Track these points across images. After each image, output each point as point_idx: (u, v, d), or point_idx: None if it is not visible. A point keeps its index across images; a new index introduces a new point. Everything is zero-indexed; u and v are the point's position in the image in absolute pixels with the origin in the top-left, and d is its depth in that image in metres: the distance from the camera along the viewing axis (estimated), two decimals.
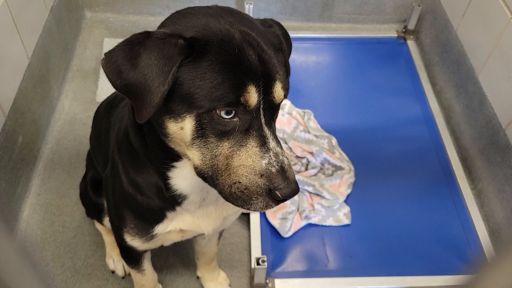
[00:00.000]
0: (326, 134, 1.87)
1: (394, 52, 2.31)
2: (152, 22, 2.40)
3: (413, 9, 2.29)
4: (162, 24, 0.83)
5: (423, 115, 2.04)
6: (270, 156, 0.78)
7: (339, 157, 1.79)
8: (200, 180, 0.87)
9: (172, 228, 1.02)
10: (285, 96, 0.82)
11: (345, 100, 2.07)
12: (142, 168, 0.94)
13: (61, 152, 1.84)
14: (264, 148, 0.78)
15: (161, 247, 1.18)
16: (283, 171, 0.78)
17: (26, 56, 1.73)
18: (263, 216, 1.66)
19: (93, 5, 2.37)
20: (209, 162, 0.80)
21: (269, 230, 1.64)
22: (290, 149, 1.81)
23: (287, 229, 1.62)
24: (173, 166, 0.90)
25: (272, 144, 0.79)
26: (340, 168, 1.76)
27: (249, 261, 1.58)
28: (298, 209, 1.67)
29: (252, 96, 0.76)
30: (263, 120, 0.79)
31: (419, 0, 2.34)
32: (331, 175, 1.75)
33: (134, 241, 1.06)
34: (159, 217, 1.00)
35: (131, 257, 1.21)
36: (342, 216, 1.68)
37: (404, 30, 2.37)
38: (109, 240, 1.56)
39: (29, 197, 1.71)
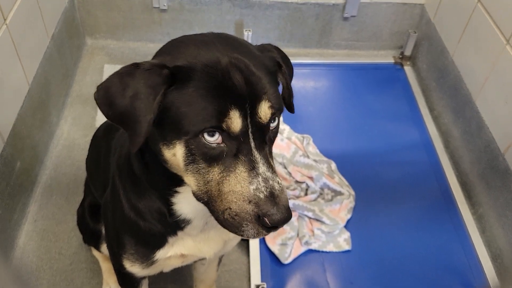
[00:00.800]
0: (325, 159, 1.87)
1: (392, 77, 2.33)
2: (152, 48, 2.42)
3: (409, 36, 2.32)
4: (157, 53, 0.85)
5: (422, 140, 2.04)
6: (258, 181, 0.76)
7: (338, 182, 1.79)
8: (200, 205, 0.87)
9: (173, 253, 1.01)
10: (274, 115, 0.80)
11: (344, 125, 2.08)
12: (144, 194, 0.94)
13: (59, 177, 1.84)
14: (253, 173, 0.76)
15: (160, 274, 1.16)
16: (273, 197, 0.76)
17: (27, 82, 1.74)
18: (263, 242, 1.64)
19: (94, 32, 2.41)
20: (203, 187, 0.80)
21: (269, 256, 1.62)
22: (290, 174, 1.81)
23: (287, 255, 1.60)
24: (176, 192, 0.89)
25: (262, 169, 0.77)
26: (340, 193, 1.76)
27: None
28: (298, 235, 1.66)
29: (235, 121, 0.75)
30: (252, 144, 0.77)
31: (415, 27, 2.38)
32: (331, 200, 1.74)
33: (133, 267, 1.04)
34: (160, 242, 0.99)
35: (129, 284, 1.19)
36: (342, 241, 1.66)
37: (401, 56, 2.40)
38: (106, 267, 1.54)
39: (26, 224, 1.69)
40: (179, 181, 0.86)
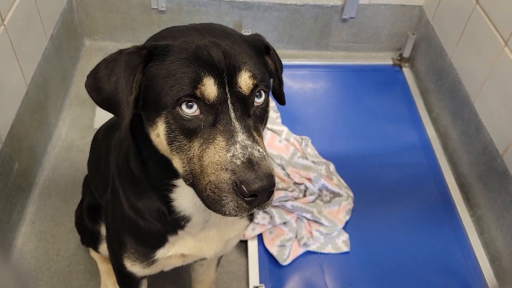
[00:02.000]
0: (323, 160, 1.87)
1: (390, 79, 2.33)
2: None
3: (407, 38, 2.33)
4: (146, 41, 0.88)
5: (420, 141, 2.04)
6: (235, 148, 0.74)
7: (337, 184, 1.79)
8: (197, 199, 0.87)
9: (173, 252, 1.01)
10: (257, 87, 0.79)
11: (342, 127, 2.08)
12: (143, 193, 0.94)
13: (57, 179, 1.83)
14: (231, 141, 0.75)
15: (159, 275, 1.16)
16: (251, 163, 0.73)
17: (25, 83, 1.73)
18: (261, 243, 1.64)
19: (92, 33, 2.40)
20: (187, 167, 0.79)
21: (267, 258, 1.61)
22: (288, 175, 1.80)
23: (286, 257, 1.59)
24: (174, 186, 0.89)
25: (240, 137, 0.75)
26: (338, 194, 1.75)
27: None
28: (296, 236, 1.65)
29: (209, 88, 0.75)
30: (232, 115, 0.76)
31: (414, 29, 2.39)
32: (329, 201, 1.74)
33: (134, 267, 1.04)
34: (161, 242, 0.99)
35: (129, 284, 1.18)
36: (341, 243, 1.66)
37: (399, 58, 2.40)
38: (104, 268, 1.53)
39: (24, 225, 1.69)
40: (175, 172, 0.85)
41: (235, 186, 0.72)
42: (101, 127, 1.35)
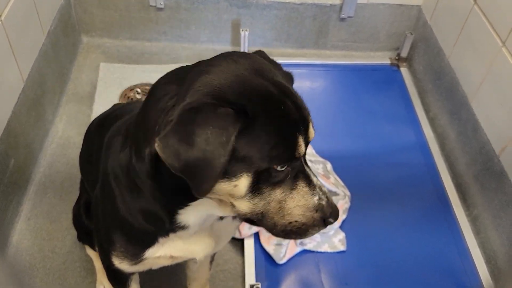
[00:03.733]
0: (321, 159, 1.87)
1: (388, 79, 2.33)
2: (148, 47, 2.42)
3: (405, 37, 2.33)
4: (187, 83, 0.78)
5: (418, 141, 2.05)
6: (318, 192, 0.84)
7: (334, 183, 1.79)
8: (205, 214, 0.89)
9: (162, 253, 1.00)
10: None
11: (340, 126, 2.08)
12: (143, 201, 0.91)
13: (54, 176, 1.83)
14: (311, 186, 0.84)
15: (154, 273, 1.16)
16: (328, 200, 0.85)
17: (21, 79, 1.73)
18: (258, 242, 1.64)
19: (90, 30, 2.40)
20: (260, 208, 0.82)
21: (264, 257, 1.61)
22: None
23: (282, 256, 1.59)
24: (188, 205, 0.87)
25: (315, 180, 0.85)
26: (335, 193, 1.75)
27: None
28: None
29: (302, 147, 0.80)
30: (302, 161, 0.84)
31: (412, 29, 2.39)
32: None
33: (122, 264, 1.03)
34: (151, 241, 0.98)
35: (118, 280, 1.19)
36: (337, 242, 1.66)
37: (397, 58, 2.41)
38: (100, 266, 1.53)
39: (19, 222, 1.68)
40: (195, 198, 0.84)
41: (323, 220, 0.85)
42: (94, 120, 1.34)
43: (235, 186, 0.77)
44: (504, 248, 1.59)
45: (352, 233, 1.69)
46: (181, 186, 0.79)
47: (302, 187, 0.83)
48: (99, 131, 1.16)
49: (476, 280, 1.61)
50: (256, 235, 1.65)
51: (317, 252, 1.64)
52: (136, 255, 1.00)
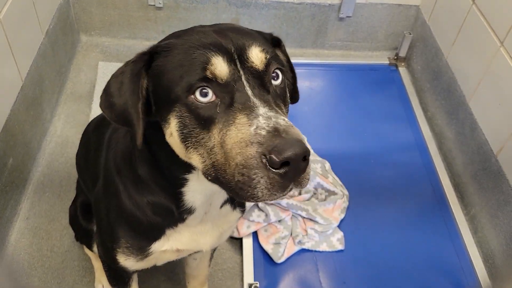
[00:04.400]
0: (319, 158, 1.88)
1: (386, 78, 2.34)
2: (147, 46, 2.41)
3: (404, 37, 2.33)
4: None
5: (416, 141, 2.05)
6: (258, 120, 0.68)
7: (332, 182, 1.79)
8: (208, 190, 0.87)
9: (168, 247, 1.00)
10: (269, 62, 0.75)
11: (338, 125, 2.09)
12: (149, 191, 0.92)
13: (52, 175, 1.82)
14: (252, 115, 0.69)
15: (153, 272, 1.16)
16: (277, 131, 0.66)
17: (20, 78, 1.73)
18: (256, 241, 1.64)
19: (88, 29, 2.39)
20: (208, 160, 0.73)
21: (262, 256, 1.62)
22: None
23: (280, 255, 1.60)
24: (186, 180, 0.87)
25: (262, 110, 0.69)
26: (334, 193, 1.76)
27: (242, 287, 1.55)
28: (291, 234, 1.66)
29: (219, 65, 0.71)
30: (250, 92, 0.72)
31: (410, 28, 2.39)
32: (325, 199, 1.74)
33: (128, 261, 1.03)
34: (157, 234, 0.98)
35: (120, 280, 1.18)
36: (335, 241, 1.66)
37: (395, 57, 2.41)
38: (98, 265, 1.53)
39: (18, 221, 1.68)
40: (188, 167, 0.83)
41: (264, 158, 0.65)
42: (92, 120, 1.34)
43: (171, 134, 0.76)
44: (501, 247, 1.60)
45: (350, 232, 1.70)
46: (171, 157, 0.81)
47: (239, 119, 0.69)
48: (98, 131, 1.16)
49: (473, 279, 1.62)
50: (255, 234, 1.65)
51: (316, 251, 1.64)
52: (142, 249, 1.00)
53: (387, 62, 2.41)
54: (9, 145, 1.62)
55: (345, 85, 2.28)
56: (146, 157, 0.88)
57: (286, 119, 0.70)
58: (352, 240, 1.68)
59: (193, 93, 0.72)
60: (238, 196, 0.71)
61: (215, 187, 0.78)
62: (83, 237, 1.47)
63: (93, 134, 1.21)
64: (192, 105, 0.72)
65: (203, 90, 0.71)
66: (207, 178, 0.76)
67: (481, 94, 1.78)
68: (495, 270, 1.62)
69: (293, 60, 2.79)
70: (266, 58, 0.75)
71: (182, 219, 0.95)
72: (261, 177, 0.66)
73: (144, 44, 2.41)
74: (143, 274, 1.34)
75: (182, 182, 0.88)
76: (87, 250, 1.55)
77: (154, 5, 2.31)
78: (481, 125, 1.76)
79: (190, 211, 0.93)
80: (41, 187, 1.78)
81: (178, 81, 0.73)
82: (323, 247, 1.65)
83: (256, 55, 0.75)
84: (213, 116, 0.72)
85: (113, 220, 1.01)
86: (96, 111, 2.05)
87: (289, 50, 2.71)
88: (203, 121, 0.72)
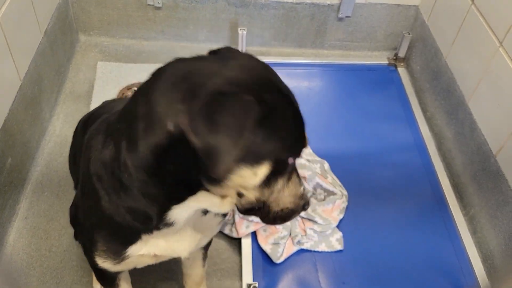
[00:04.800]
0: (318, 158, 1.87)
1: (385, 78, 2.34)
2: (146, 46, 2.42)
3: (403, 37, 2.33)
4: (194, 79, 0.80)
5: (415, 141, 2.05)
6: (302, 182, 0.93)
7: (331, 182, 1.79)
8: (200, 208, 0.91)
9: (145, 252, 0.99)
10: None
11: (337, 125, 2.08)
12: (131, 198, 0.88)
13: (51, 174, 1.82)
14: (299, 176, 0.92)
15: (150, 272, 1.16)
16: (304, 190, 0.94)
17: (18, 77, 1.72)
18: (255, 241, 1.64)
19: (87, 29, 2.39)
20: (265, 198, 0.87)
21: (261, 256, 1.61)
22: None
23: (279, 255, 1.60)
24: (185, 200, 0.86)
25: (299, 171, 0.93)
26: (333, 193, 1.76)
27: (241, 287, 1.55)
28: (290, 234, 1.66)
29: (306, 143, 0.89)
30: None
31: (409, 29, 2.39)
32: (324, 200, 1.74)
33: (105, 264, 1.03)
34: (133, 238, 0.97)
35: (106, 279, 1.20)
36: (334, 241, 1.66)
37: (394, 58, 2.41)
38: None
39: (16, 221, 1.68)
40: (196, 189, 0.84)
41: (303, 206, 0.94)
42: (80, 120, 1.34)
43: (255, 174, 0.80)
44: (500, 247, 1.60)
45: (349, 233, 1.70)
46: (184, 178, 0.81)
47: (295, 177, 0.90)
48: (83, 130, 1.14)
49: (472, 279, 1.62)
50: (254, 235, 1.65)
51: (315, 251, 1.64)
52: (118, 253, 0.99)
53: (386, 62, 2.41)
54: (8, 144, 1.62)
55: (344, 85, 2.28)
56: (150, 169, 0.82)
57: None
58: (351, 240, 1.68)
59: (292, 157, 0.90)
60: (267, 223, 0.94)
61: (210, 206, 0.90)
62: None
63: (80, 134, 1.21)
64: (285, 162, 0.87)
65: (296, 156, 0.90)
66: (242, 210, 0.91)
67: (480, 94, 1.78)
68: (494, 271, 1.62)
69: (292, 60, 2.80)
70: None
71: (158, 228, 0.93)
72: (296, 215, 0.94)
73: (143, 44, 2.42)
74: (139, 273, 1.34)
75: (179, 201, 0.87)
76: None
77: (153, 5, 2.31)
78: (480, 125, 1.76)
79: (169, 224, 0.91)
80: (39, 186, 1.78)
81: (285, 145, 0.86)
82: (322, 247, 1.64)
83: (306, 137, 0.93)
84: (286, 171, 0.89)
85: (91, 223, 1.00)
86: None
87: (288, 50, 2.72)
88: (281, 173, 0.88)
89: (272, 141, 0.80)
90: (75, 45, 2.35)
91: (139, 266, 1.10)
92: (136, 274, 1.30)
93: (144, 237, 0.96)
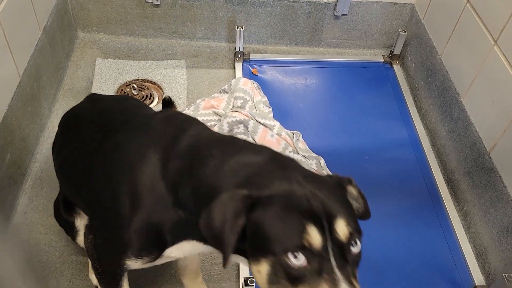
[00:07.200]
0: (314, 155, 1.90)
1: (381, 76, 2.36)
2: (144, 43, 2.43)
3: (399, 35, 2.35)
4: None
5: (409, 138, 2.07)
6: (339, 282, 0.78)
7: None
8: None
9: (177, 254, 1.05)
10: (352, 235, 0.83)
11: (333, 122, 2.11)
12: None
13: (50, 170, 1.83)
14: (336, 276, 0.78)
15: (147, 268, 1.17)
16: None
17: (17, 74, 1.73)
18: None
19: (86, 25, 2.40)
20: None
21: None
22: None
23: None
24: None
25: (343, 286, 0.78)
26: None
27: (238, 282, 1.57)
28: None
29: (314, 236, 0.78)
30: (334, 263, 0.79)
31: (405, 27, 2.42)
32: None
33: (134, 263, 1.06)
34: (174, 241, 1.03)
35: (112, 279, 1.20)
36: None
37: (390, 55, 2.43)
38: None
39: (15, 216, 1.69)
40: None
41: None
42: (69, 113, 1.38)
43: (259, 272, 0.82)
44: (494, 243, 1.62)
45: None
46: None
47: (327, 276, 0.78)
48: (95, 128, 1.15)
49: (466, 275, 1.64)
50: None
51: None
52: (154, 254, 1.04)
53: (381, 60, 2.43)
54: (7, 140, 1.63)
55: (340, 82, 2.30)
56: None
57: None
58: None
59: (287, 255, 0.78)
60: None
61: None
62: (67, 230, 1.48)
63: (87, 132, 1.22)
64: (285, 264, 0.78)
65: (296, 254, 0.78)
66: None
67: (475, 92, 1.80)
68: (487, 266, 1.64)
69: (289, 58, 2.79)
70: (349, 231, 0.82)
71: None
72: None
73: (141, 41, 2.43)
74: (135, 270, 1.35)
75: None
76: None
77: (151, 2, 2.32)
78: (474, 122, 1.79)
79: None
80: (39, 182, 1.79)
81: (275, 240, 0.79)
82: None
83: (342, 229, 0.81)
84: (301, 277, 0.79)
85: (130, 229, 1.01)
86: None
87: (285, 48, 2.72)
88: (292, 277, 0.79)
89: (263, 236, 0.80)
90: (73, 42, 2.36)
91: (160, 263, 1.14)
92: (131, 271, 1.31)
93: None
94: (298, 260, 0.77)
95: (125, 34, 2.44)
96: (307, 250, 0.78)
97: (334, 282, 0.77)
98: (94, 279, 1.52)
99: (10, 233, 1.64)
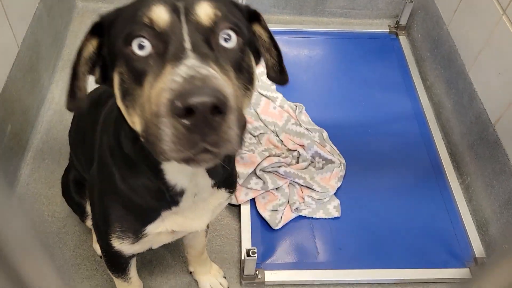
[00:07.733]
0: (317, 127, 1.88)
1: (386, 47, 2.32)
2: None
3: (405, 5, 2.30)
4: None
5: (414, 110, 2.05)
6: (179, 69, 0.61)
7: (330, 151, 1.80)
8: (185, 167, 0.78)
9: (163, 229, 0.99)
10: (221, 23, 0.69)
11: (337, 94, 2.08)
12: (140, 173, 0.89)
13: (51, 142, 1.83)
14: (177, 64, 0.62)
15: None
16: (193, 78, 0.59)
17: (16, 44, 1.71)
18: (254, 208, 1.67)
19: None
20: (143, 119, 0.67)
21: (260, 222, 1.64)
22: (282, 142, 1.82)
23: (278, 221, 1.62)
24: None
25: (191, 61, 0.62)
26: (331, 161, 1.77)
27: (239, 253, 1.59)
28: (288, 202, 1.68)
29: (157, 12, 0.67)
30: (187, 45, 0.65)
31: None
32: (322, 168, 1.76)
33: (122, 245, 1.01)
34: (153, 217, 0.97)
35: (118, 265, 1.17)
36: (332, 209, 1.69)
37: (396, 26, 2.38)
38: None
39: (18, 187, 1.70)
40: None
41: (172, 105, 0.58)
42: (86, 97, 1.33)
43: (116, 95, 0.75)
44: (495, 215, 1.63)
45: (346, 200, 1.72)
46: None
47: (166, 69, 0.63)
48: (94, 109, 1.11)
49: (467, 247, 1.65)
50: (253, 202, 1.68)
51: (312, 218, 1.67)
52: (136, 232, 0.98)
53: (387, 30, 2.38)
54: (8, 112, 1.62)
55: (344, 53, 2.26)
56: (127, 130, 0.82)
57: (212, 70, 0.62)
58: (348, 207, 1.71)
59: (131, 44, 0.68)
60: (155, 154, 0.65)
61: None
62: (76, 210, 1.48)
63: (89, 113, 1.15)
64: (129, 58, 0.68)
65: (141, 43, 0.67)
66: (145, 142, 0.69)
67: (481, 64, 1.77)
68: (488, 238, 1.65)
69: (292, 28, 2.75)
70: (215, 14, 0.69)
71: (175, 202, 0.93)
72: (166, 127, 0.60)
73: None
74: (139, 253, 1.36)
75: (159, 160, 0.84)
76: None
77: None
78: (480, 94, 1.76)
79: (179, 193, 0.91)
80: (40, 154, 1.79)
81: (119, 33, 0.71)
82: (320, 214, 1.67)
83: (204, 11, 0.69)
84: (146, 69, 0.67)
85: (107, 204, 0.98)
86: (92, 78, 2.04)
87: (288, 18, 2.67)
88: (137, 75, 0.68)
89: (109, 44, 0.75)
90: (72, 11, 2.32)
91: (155, 246, 1.10)
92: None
93: (164, 214, 0.96)
94: (142, 50, 0.67)
95: (123, 2, 2.38)
96: (150, 32, 0.67)
97: (180, 59, 0.62)
98: (98, 249, 1.53)
99: (14, 202, 1.64)
